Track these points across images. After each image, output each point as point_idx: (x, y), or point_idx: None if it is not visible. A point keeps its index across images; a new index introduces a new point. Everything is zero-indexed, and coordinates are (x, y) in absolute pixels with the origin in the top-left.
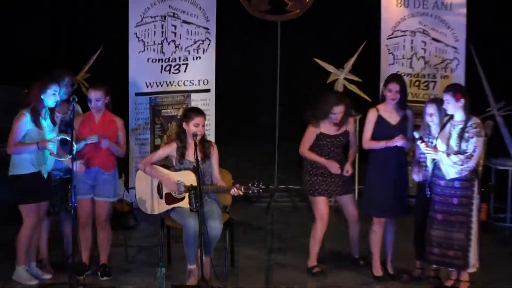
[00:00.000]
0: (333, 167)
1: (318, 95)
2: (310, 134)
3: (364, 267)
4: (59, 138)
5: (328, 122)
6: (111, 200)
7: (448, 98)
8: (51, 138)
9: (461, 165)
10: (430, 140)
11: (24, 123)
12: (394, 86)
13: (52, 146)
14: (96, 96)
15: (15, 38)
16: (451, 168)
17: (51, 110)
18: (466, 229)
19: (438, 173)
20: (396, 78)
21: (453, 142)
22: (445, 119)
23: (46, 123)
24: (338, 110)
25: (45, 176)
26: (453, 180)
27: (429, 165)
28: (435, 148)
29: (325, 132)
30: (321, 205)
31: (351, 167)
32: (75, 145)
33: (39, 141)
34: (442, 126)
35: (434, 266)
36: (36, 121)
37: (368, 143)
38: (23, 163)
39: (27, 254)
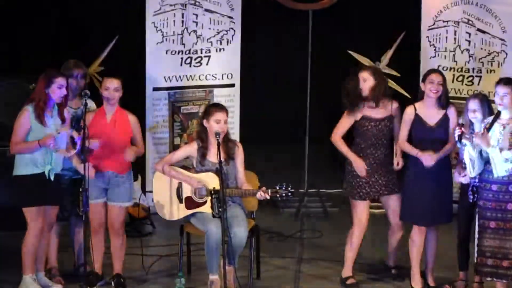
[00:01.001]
0: (359, 167)
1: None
2: (344, 120)
3: (401, 279)
4: (61, 133)
5: (369, 106)
6: (126, 205)
7: (507, 92)
8: (51, 133)
9: None
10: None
11: (27, 120)
12: (436, 76)
13: (60, 140)
14: (114, 86)
15: (20, 25)
16: (502, 165)
17: (60, 106)
18: None
19: (488, 177)
20: (437, 70)
21: (506, 141)
22: (490, 119)
23: (53, 120)
24: (362, 77)
25: (52, 177)
26: (507, 183)
27: (467, 162)
28: (485, 137)
29: (367, 115)
30: (361, 209)
31: (401, 159)
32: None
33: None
34: (489, 127)
35: (488, 279)
36: (40, 117)
37: (403, 144)
38: (25, 163)
39: (34, 263)
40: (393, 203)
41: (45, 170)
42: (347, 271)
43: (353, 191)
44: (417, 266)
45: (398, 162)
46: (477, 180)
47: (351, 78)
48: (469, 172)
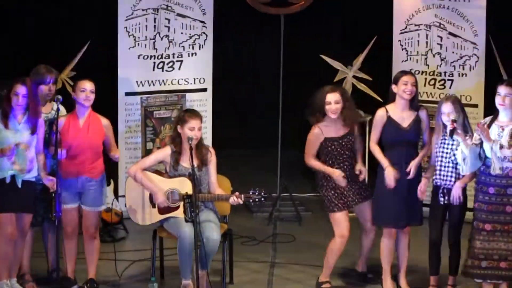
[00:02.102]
0: (339, 178)
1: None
2: (312, 138)
3: (374, 282)
4: (16, 144)
5: (330, 125)
6: (99, 209)
7: (511, 92)
8: (7, 145)
9: None
10: (447, 143)
11: None
12: (409, 78)
13: (21, 156)
14: (91, 88)
15: None
16: (499, 162)
17: (32, 114)
18: None
19: (486, 179)
20: (409, 71)
21: (505, 143)
22: (488, 119)
23: (21, 126)
24: (332, 99)
25: (19, 184)
26: (505, 187)
27: (460, 161)
28: (487, 132)
29: (329, 136)
30: (341, 221)
31: (364, 167)
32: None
33: (5, 143)
34: (487, 128)
35: (479, 280)
36: (4, 120)
37: (373, 147)
38: None
39: (7, 269)
40: (366, 209)
41: (6, 175)
42: (324, 276)
43: (331, 204)
44: (388, 269)
45: (360, 170)
46: (447, 183)
47: (319, 91)
48: (461, 170)
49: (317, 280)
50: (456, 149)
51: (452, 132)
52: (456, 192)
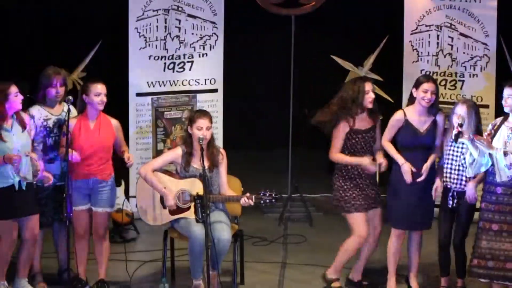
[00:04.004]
0: (368, 164)
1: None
2: (340, 133)
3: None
4: (26, 156)
5: (358, 116)
6: (109, 210)
7: None
8: (16, 154)
9: None
10: (456, 145)
11: None
12: (430, 86)
13: (24, 164)
14: (105, 91)
15: (3, 31)
16: (505, 170)
17: (17, 112)
18: None
19: (493, 179)
20: (431, 77)
21: (510, 148)
22: (498, 120)
23: (14, 130)
24: (370, 87)
25: (23, 187)
26: None
27: (468, 162)
28: (488, 140)
29: (356, 128)
30: (362, 221)
31: (384, 159)
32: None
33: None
34: (496, 129)
35: (485, 280)
36: None
37: (387, 144)
38: None
39: (4, 271)
40: (374, 217)
41: (15, 182)
42: (335, 273)
43: (347, 205)
44: (393, 270)
45: (381, 162)
46: (457, 186)
47: (349, 88)
48: (467, 172)
49: (325, 276)
50: (466, 152)
51: (457, 136)
52: (470, 193)
